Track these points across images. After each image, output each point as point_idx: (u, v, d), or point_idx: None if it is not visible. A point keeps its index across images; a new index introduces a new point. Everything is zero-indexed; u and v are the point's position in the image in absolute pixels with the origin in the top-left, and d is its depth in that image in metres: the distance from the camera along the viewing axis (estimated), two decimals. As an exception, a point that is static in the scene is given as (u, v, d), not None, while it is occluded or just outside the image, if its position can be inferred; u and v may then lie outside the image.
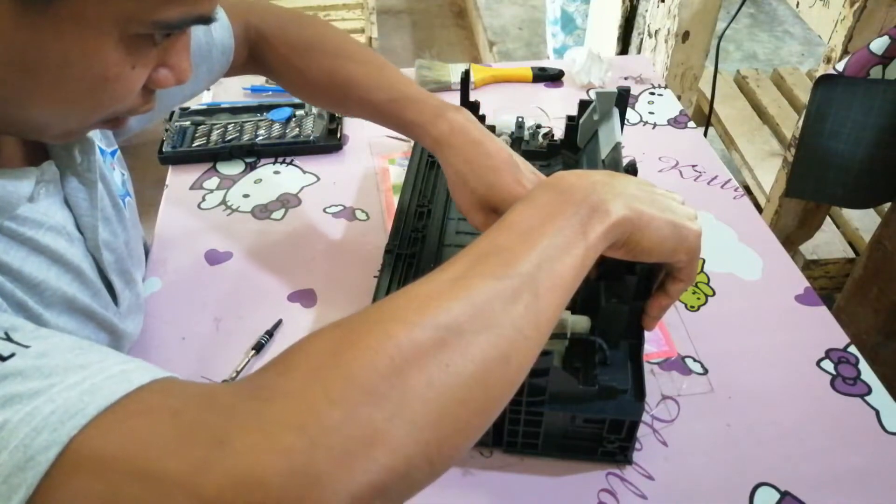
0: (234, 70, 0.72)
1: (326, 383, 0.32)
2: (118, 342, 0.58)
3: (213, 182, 0.88)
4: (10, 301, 0.45)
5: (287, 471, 0.29)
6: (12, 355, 0.33)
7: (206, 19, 0.42)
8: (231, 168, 0.90)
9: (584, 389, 0.53)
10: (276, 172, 0.90)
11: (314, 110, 0.96)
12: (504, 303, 0.37)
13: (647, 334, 0.57)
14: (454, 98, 0.96)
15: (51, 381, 0.32)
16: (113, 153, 0.63)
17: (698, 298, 0.73)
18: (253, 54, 0.71)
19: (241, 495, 0.29)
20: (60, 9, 0.36)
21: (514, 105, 1.01)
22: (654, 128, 0.99)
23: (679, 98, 1.40)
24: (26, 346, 0.34)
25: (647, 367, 0.65)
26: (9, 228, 0.45)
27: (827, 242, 1.60)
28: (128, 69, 0.41)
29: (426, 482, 0.34)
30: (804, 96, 1.94)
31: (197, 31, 0.65)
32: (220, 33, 0.67)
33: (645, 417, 0.61)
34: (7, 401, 0.31)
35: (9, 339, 0.34)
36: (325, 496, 0.29)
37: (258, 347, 0.67)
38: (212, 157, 0.91)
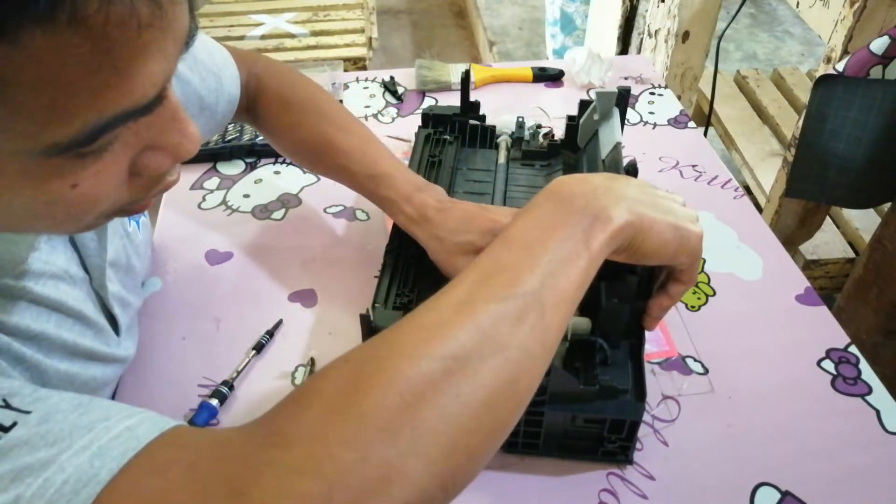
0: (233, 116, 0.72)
1: (339, 425, 0.32)
2: (120, 368, 0.57)
3: (213, 182, 0.88)
4: (7, 355, 0.43)
5: None
6: (14, 424, 0.32)
7: (141, 110, 0.31)
8: (231, 168, 0.90)
9: (585, 389, 0.53)
10: (277, 172, 0.90)
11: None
12: (510, 325, 0.37)
13: (647, 334, 0.57)
14: (454, 98, 0.96)
15: (58, 449, 0.32)
16: None
17: (699, 298, 0.73)
18: (250, 105, 0.72)
19: None
20: None
21: (514, 105, 1.01)
22: (654, 128, 0.99)
23: (679, 98, 1.40)
24: (27, 412, 0.33)
25: (647, 367, 0.64)
26: (6, 285, 0.43)
27: (827, 242, 1.60)
28: (66, 191, 0.32)
29: None
30: (804, 96, 1.94)
31: (208, 80, 0.64)
32: (229, 83, 0.67)
33: (645, 417, 0.61)
34: (17, 475, 0.31)
35: (8, 406, 0.33)
36: None
37: (258, 347, 0.67)
38: (212, 157, 0.91)
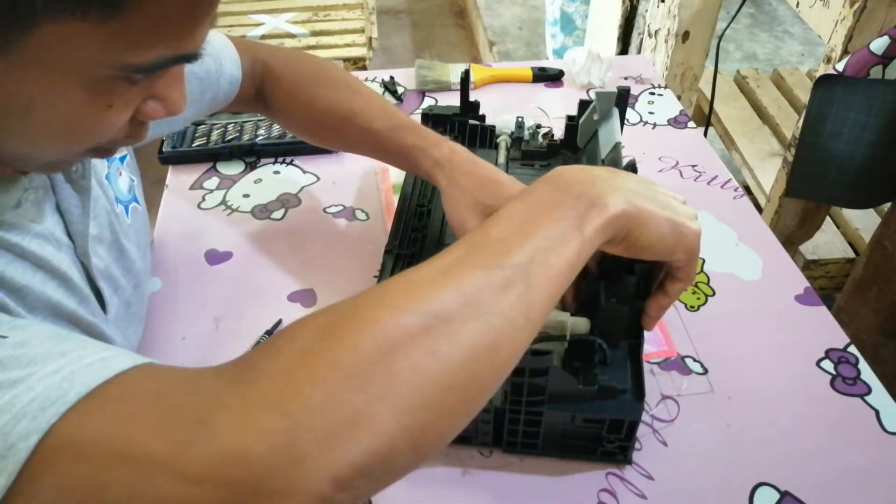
0: (241, 105, 0.73)
1: (311, 366, 0.32)
2: None
3: (213, 182, 0.88)
4: None
5: (269, 450, 0.30)
6: None
7: (189, 58, 0.39)
8: (231, 168, 0.91)
9: (584, 389, 0.53)
10: (276, 172, 0.90)
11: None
12: (495, 292, 0.37)
13: (646, 334, 0.57)
14: (454, 98, 0.96)
15: (30, 370, 0.32)
16: (122, 158, 0.62)
17: (698, 298, 0.73)
18: (259, 91, 0.72)
19: (223, 473, 0.29)
20: (21, 54, 0.34)
21: (514, 105, 1.01)
22: (654, 128, 0.99)
23: (679, 98, 1.40)
24: (4, 337, 0.34)
25: (646, 367, 0.65)
26: None
27: (827, 242, 1.60)
28: (102, 108, 0.39)
29: (410, 467, 0.34)
30: (804, 96, 1.94)
31: (206, 62, 0.65)
32: (229, 64, 0.68)
33: (645, 417, 0.61)
34: None
35: None
36: (307, 476, 0.30)
37: (258, 347, 0.67)
38: (212, 156, 0.91)
